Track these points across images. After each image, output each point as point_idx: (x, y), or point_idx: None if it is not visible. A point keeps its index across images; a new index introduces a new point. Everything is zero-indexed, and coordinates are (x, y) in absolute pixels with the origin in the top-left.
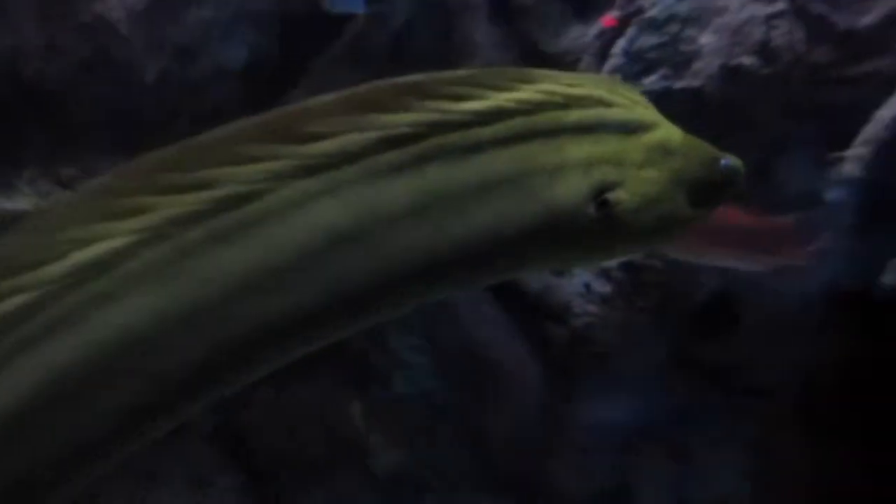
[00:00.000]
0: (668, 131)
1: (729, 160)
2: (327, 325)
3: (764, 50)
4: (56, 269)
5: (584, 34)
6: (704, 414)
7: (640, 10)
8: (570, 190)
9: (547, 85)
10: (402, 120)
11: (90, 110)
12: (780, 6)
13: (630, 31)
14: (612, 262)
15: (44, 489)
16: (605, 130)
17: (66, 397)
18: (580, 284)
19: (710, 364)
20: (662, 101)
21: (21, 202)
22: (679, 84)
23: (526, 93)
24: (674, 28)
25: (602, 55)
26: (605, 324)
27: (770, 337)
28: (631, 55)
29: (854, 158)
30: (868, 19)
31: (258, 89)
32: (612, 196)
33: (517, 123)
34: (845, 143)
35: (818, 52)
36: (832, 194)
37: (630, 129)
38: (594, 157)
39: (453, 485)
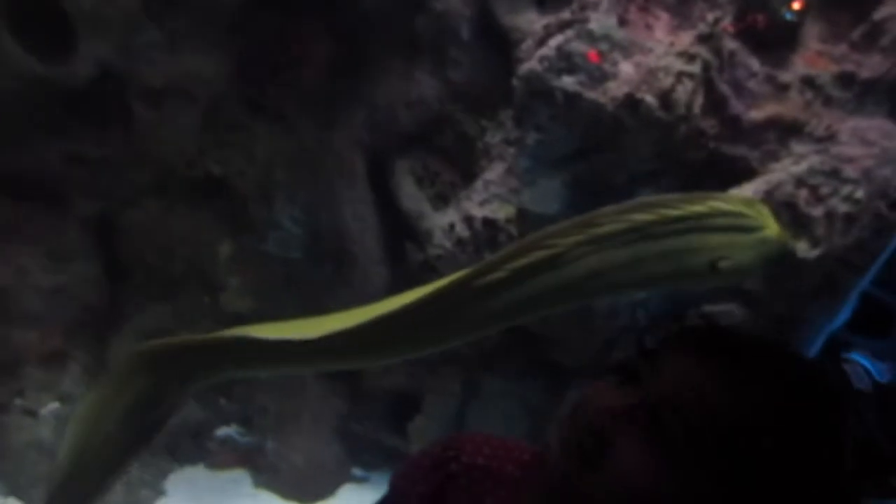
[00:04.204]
0: (772, 231)
1: (792, 247)
2: (583, 298)
3: (666, 97)
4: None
5: (535, 21)
6: (500, 359)
7: (585, 20)
8: (702, 260)
9: (713, 203)
10: (638, 218)
11: None
12: (694, 69)
13: (568, 33)
14: (478, 215)
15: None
16: (735, 231)
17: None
18: (447, 223)
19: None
20: (568, 103)
21: None
22: (588, 94)
23: (700, 207)
24: (604, 46)
25: (540, 43)
26: (452, 260)
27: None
28: (561, 53)
29: None
30: (756, 115)
31: None
32: (720, 264)
33: (690, 224)
34: None
35: (707, 121)
36: None
37: (749, 230)
38: (722, 245)
39: None
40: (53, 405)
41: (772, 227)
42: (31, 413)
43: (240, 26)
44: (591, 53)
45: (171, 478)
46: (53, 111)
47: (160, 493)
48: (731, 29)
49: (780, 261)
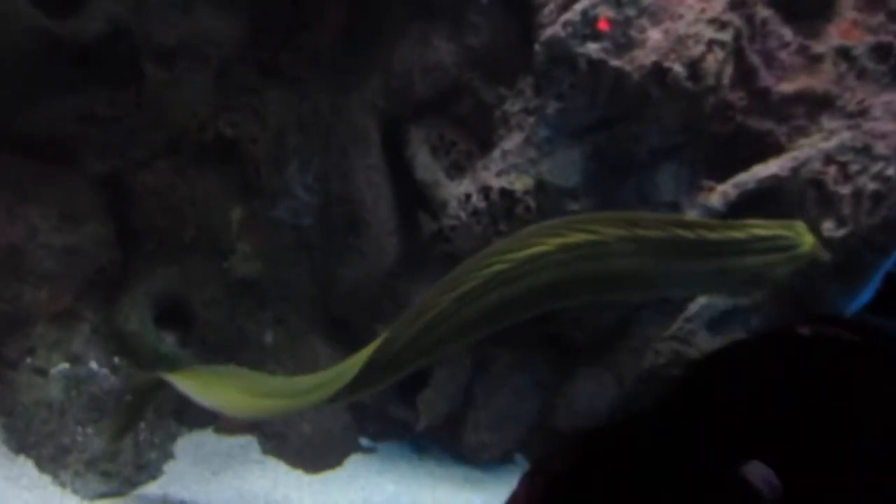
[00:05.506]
0: (805, 247)
1: (820, 254)
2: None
3: (694, 66)
4: (520, 255)
5: None
6: (511, 334)
7: None
8: (736, 279)
9: (754, 230)
10: (680, 234)
11: None
12: (725, 37)
13: None
14: (495, 185)
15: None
16: (772, 251)
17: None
18: (463, 193)
19: None
20: (592, 71)
21: None
22: (614, 62)
23: (740, 234)
24: (631, 12)
25: (564, 7)
26: (467, 231)
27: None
28: (587, 18)
29: (722, 193)
30: (786, 87)
31: None
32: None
33: (728, 249)
34: (720, 176)
35: (735, 93)
36: (692, 213)
37: (785, 249)
38: (757, 265)
39: (293, 310)
40: (63, 365)
41: (807, 243)
42: (41, 372)
43: None
44: (602, 21)
45: (179, 441)
46: (64, 69)
47: (168, 455)
48: None
49: (810, 268)
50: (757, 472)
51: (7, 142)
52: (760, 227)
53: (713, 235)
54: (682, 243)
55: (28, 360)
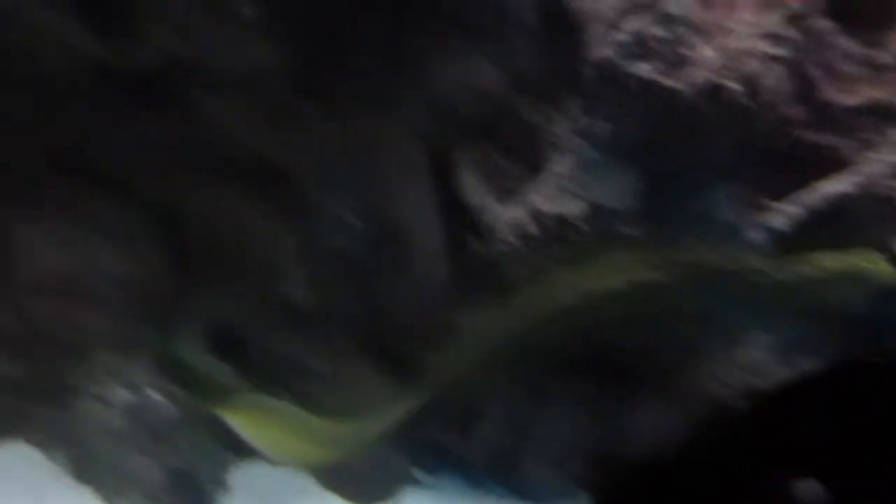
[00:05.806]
0: (881, 278)
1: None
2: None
3: (751, 83)
4: (584, 287)
5: (605, 3)
6: (568, 364)
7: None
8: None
9: (824, 262)
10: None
11: None
12: (783, 52)
13: (643, 15)
14: (545, 209)
15: None
16: (845, 283)
17: None
18: (513, 217)
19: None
20: (643, 91)
21: None
22: (665, 81)
23: (810, 267)
24: (681, 30)
25: (612, 26)
26: (517, 256)
27: None
28: (636, 37)
29: (783, 213)
30: (850, 101)
31: None
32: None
33: (802, 284)
34: (780, 195)
35: (795, 108)
36: (752, 234)
37: (858, 280)
38: (832, 298)
39: (343, 338)
40: (121, 392)
41: (883, 273)
42: (101, 399)
43: (300, 13)
44: (653, 40)
45: (235, 472)
46: (116, 95)
47: (223, 486)
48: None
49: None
50: (808, 490)
51: (61, 168)
52: (831, 260)
53: (782, 275)
54: (752, 282)
55: (87, 386)
